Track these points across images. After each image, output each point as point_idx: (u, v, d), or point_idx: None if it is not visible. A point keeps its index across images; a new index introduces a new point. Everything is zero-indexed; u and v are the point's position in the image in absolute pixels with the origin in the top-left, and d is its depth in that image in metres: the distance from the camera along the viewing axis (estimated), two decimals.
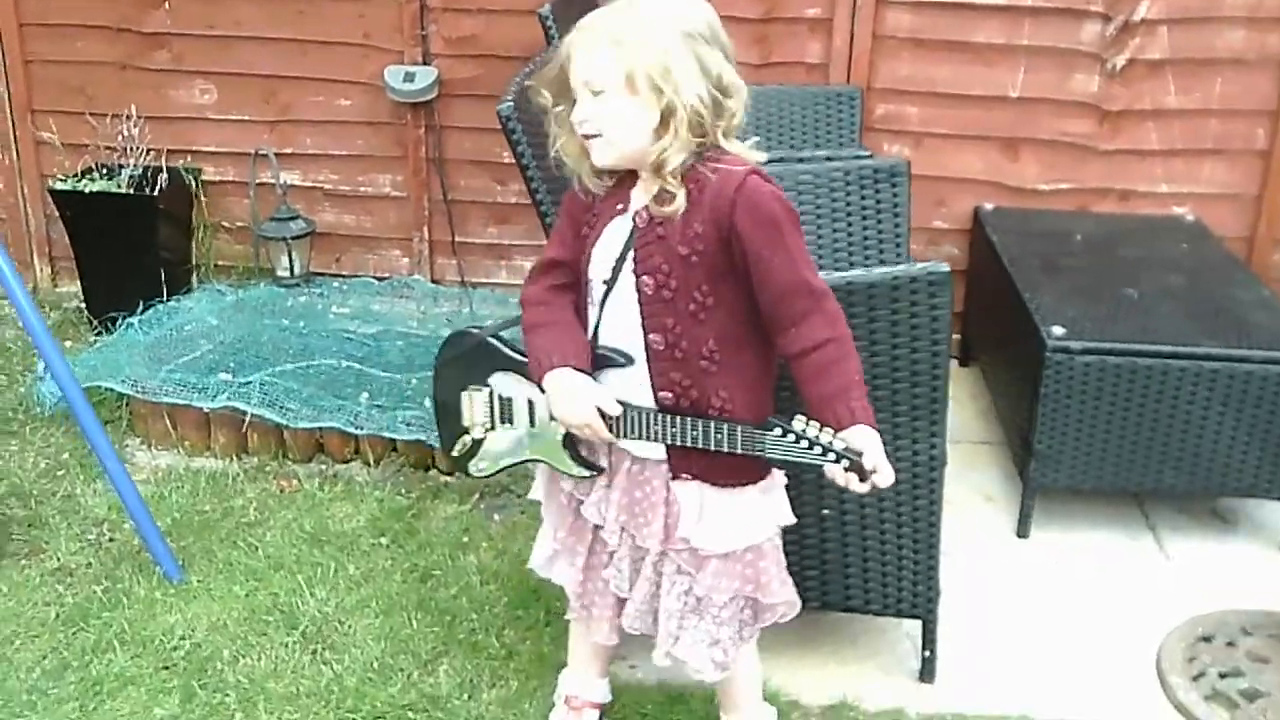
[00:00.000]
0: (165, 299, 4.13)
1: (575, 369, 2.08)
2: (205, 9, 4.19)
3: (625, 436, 2.11)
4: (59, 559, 3.09)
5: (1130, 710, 2.68)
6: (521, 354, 2.20)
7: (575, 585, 2.33)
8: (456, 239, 4.35)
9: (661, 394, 2.07)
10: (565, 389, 2.09)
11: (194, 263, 4.43)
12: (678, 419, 2.05)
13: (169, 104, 4.31)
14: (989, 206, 4.02)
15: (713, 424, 2.03)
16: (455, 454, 2.34)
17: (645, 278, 2.02)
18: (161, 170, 4.22)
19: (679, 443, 2.06)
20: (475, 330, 2.32)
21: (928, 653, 2.72)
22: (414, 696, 2.65)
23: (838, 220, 3.05)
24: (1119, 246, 3.74)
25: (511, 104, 2.35)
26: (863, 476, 1.92)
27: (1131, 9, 3.81)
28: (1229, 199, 4.01)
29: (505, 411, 2.25)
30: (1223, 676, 2.71)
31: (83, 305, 4.33)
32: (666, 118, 1.93)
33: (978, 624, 2.89)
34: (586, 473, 2.20)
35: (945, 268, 2.30)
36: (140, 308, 4.03)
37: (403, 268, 4.45)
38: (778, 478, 2.20)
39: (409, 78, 4.09)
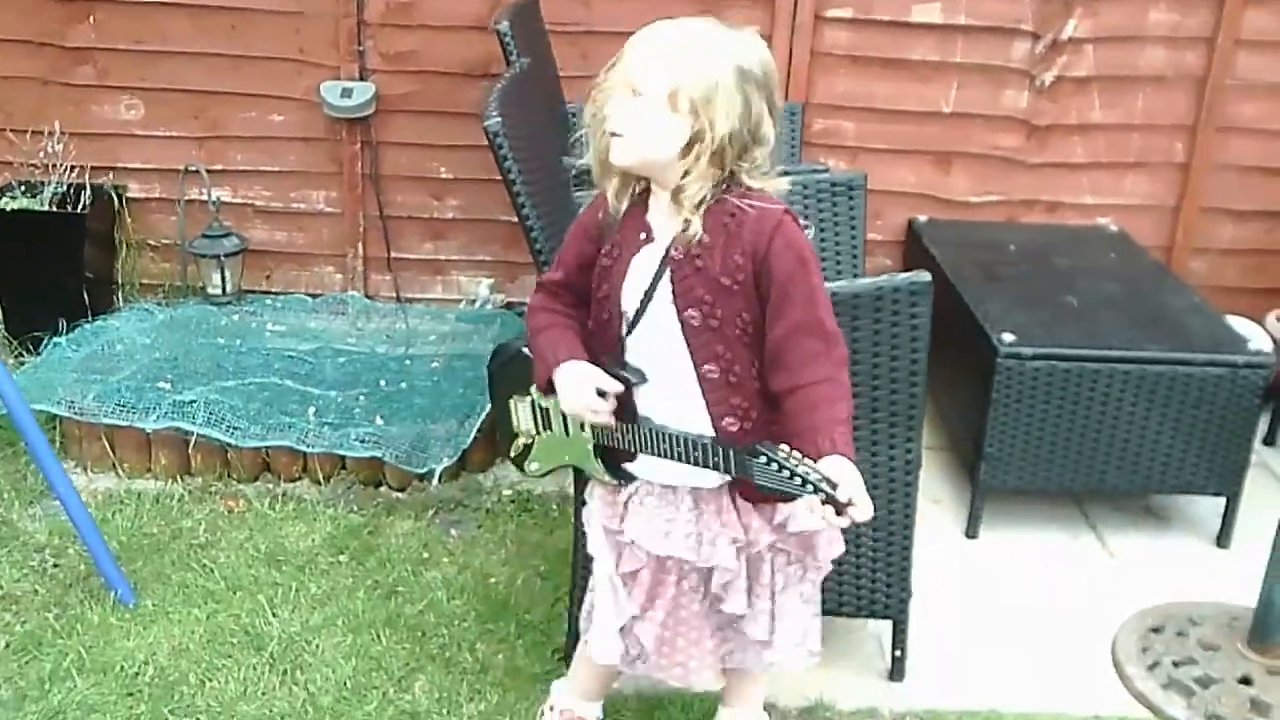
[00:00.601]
0: (90, 318, 4.02)
1: (578, 360, 2.10)
2: (132, 23, 4.09)
3: (631, 446, 2.12)
4: (2, 587, 2.99)
5: (1092, 701, 2.76)
6: None
7: (653, 641, 2.22)
8: (392, 255, 4.31)
9: (725, 421, 2.06)
10: (570, 380, 2.09)
11: (118, 281, 4.32)
12: (683, 438, 2.05)
13: (93, 120, 4.20)
14: (923, 218, 4.12)
15: (708, 444, 2.04)
16: (513, 455, 2.37)
17: (690, 311, 2.02)
18: (85, 187, 4.11)
19: (682, 461, 2.06)
20: (515, 342, 2.33)
21: (898, 652, 2.78)
22: (392, 713, 2.62)
23: None
24: (1051, 256, 3.87)
25: (499, 119, 2.34)
26: (839, 510, 1.87)
27: (1059, 28, 3.96)
28: (1149, 210, 4.17)
29: (544, 419, 2.26)
30: (1177, 665, 2.81)
31: (1, 325, 4.18)
32: (693, 143, 1.94)
33: (939, 623, 2.96)
34: (615, 481, 2.19)
35: (927, 277, 2.36)
36: (64, 327, 3.92)
37: (335, 284, 4.39)
38: None
39: (346, 93, 4.05)
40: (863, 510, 1.87)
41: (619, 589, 2.22)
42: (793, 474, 1.86)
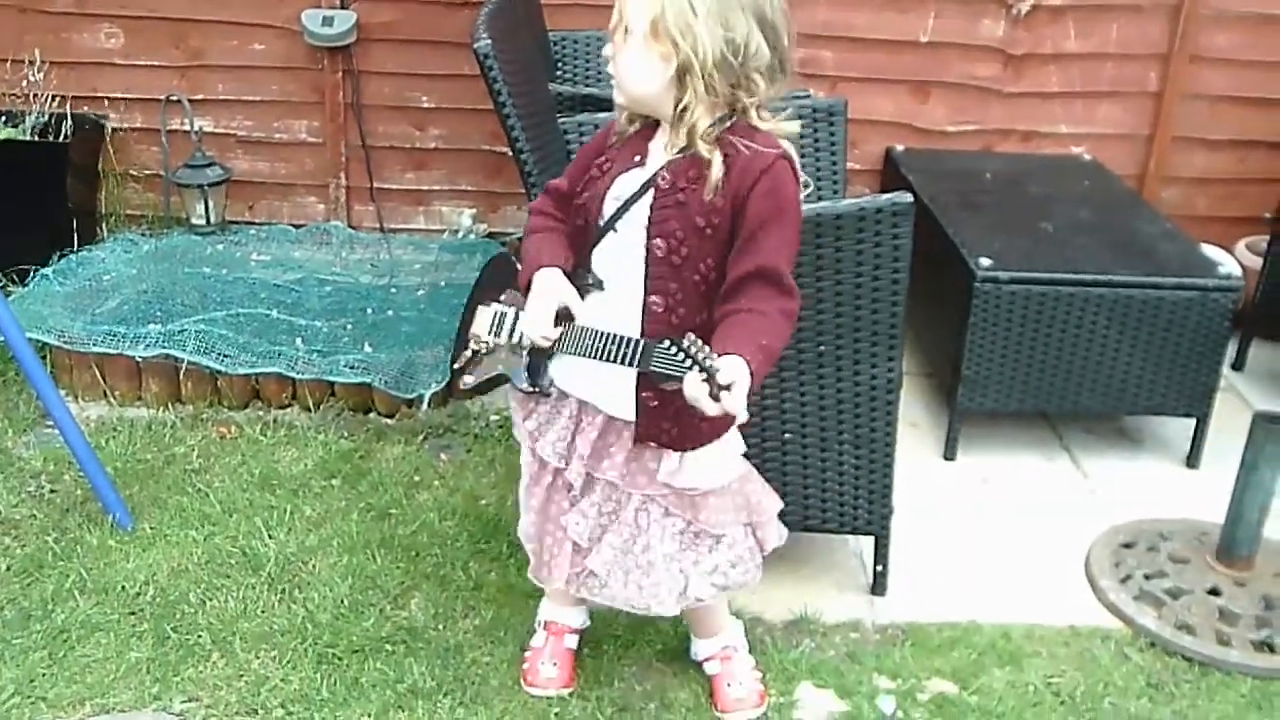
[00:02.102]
0: (75, 249, 4.03)
1: (560, 270, 2.16)
2: None
3: (562, 350, 2.20)
4: (1, 513, 3.03)
5: (1067, 611, 2.86)
6: None
7: (530, 528, 2.40)
8: (375, 185, 4.33)
9: None
10: (540, 286, 2.15)
11: (102, 212, 4.32)
12: (603, 334, 2.11)
13: (73, 49, 4.18)
14: (900, 148, 4.17)
15: (621, 339, 2.08)
16: (456, 366, 2.44)
17: (658, 240, 2.07)
18: (66, 118, 4.10)
19: (598, 357, 2.11)
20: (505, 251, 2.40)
21: (879, 568, 2.86)
22: (390, 629, 2.69)
23: None
24: (1026, 184, 3.93)
25: (489, 41, 2.37)
26: (712, 393, 1.87)
27: None
28: (1123, 139, 4.23)
29: (498, 325, 2.32)
30: (1148, 578, 2.91)
31: None
32: (684, 73, 1.97)
33: (919, 541, 3.05)
34: (529, 387, 2.27)
35: (908, 198, 2.42)
36: (50, 259, 3.93)
37: (318, 214, 4.41)
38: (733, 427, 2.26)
39: (327, 21, 4.05)
40: (737, 405, 1.87)
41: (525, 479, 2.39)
42: (686, 356, 1.89)
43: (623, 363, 2.08)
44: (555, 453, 2.29)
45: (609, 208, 2.13)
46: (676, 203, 2.05)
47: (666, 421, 2.16)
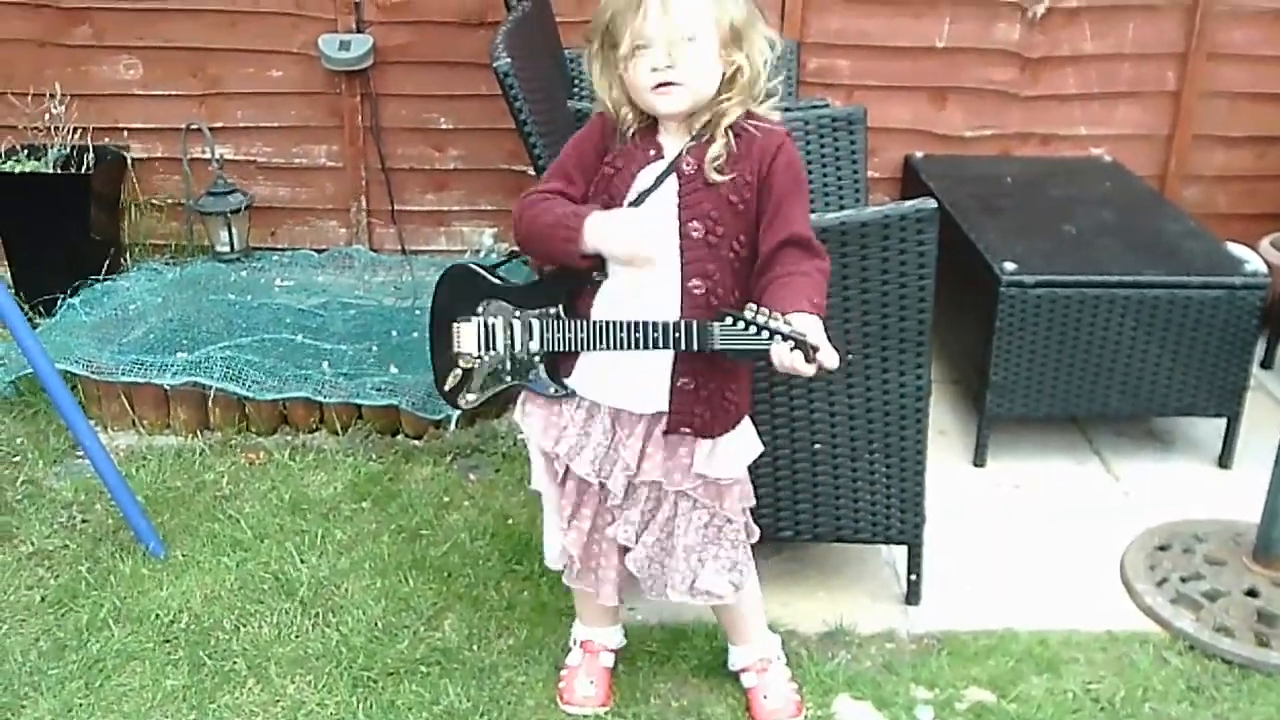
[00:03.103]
0: (100, 279, 4.06)
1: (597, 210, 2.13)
2: None
3: (584, 346, 2.19)
4: (33, 543, 3.04)
5: (1103, 617, 2.84)
6: (504, 280, 2.27)
7: (579, 549, 2.37)
8: (395, 207, 4.35)
9: None
10: (608, 222, 2.10)
11: (125, 242, 4.35)
12: (640, 323, 2.10)
13: (93, 81, 4.22)
14: (919, 154, 4.17)
15: (672, 324, 2.09)
16: (447, 388, 2.36)
17: (694, 224, 2.10)
18: (88, 149, 4.14)
19: (639, 347, 2.11)
20: (459, 265, 2.37)
21: (913, 577, 2.85)
22: (424, 651, 2.69)
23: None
24: (1047, 187, 3.92)
25: (509, 60, 2.38)
26: (808, 357, 1.95)
27: None
28: (1142, 139, 4.23)
29: (490, 338, 2.28)
30: (1184, 580, 2.89)
31: (13, 289, 4.21)
32: (734, 74, 2.05)
33: (951, 549, 3.03)
34: (561, 390, 2.25)
35: (932, 204, 2.41)
36: (76, 289, 3.95)
37: (340, 238, 4.43)
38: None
39: (345, 46, 4.07)
40: (830, 357, 1.96)
41: (555, 499, 2.36)
42: (760, 328, 1.95)
43: (676, 347, 2.10)
44: (594, 469, 2.27)
45: (632, 202, 2.14)
46: (705, 184, 2.09)
47: (699, 406, 2.19)
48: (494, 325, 2.28)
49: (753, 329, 1.95)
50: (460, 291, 2.31)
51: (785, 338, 1.94)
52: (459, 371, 2.34)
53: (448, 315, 2.34)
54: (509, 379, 2.30)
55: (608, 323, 2.15)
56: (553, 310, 2.21)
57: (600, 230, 2.10)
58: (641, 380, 2.19)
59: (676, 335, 2.08)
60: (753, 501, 2.39)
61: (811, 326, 1.98)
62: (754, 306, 1.97)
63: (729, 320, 1.98)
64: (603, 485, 2.29)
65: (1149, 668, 2.67)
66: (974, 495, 3.32)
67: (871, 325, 2.51)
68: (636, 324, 2.11)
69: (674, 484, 2.25)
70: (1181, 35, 4.09)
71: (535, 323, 2.24)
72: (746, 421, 2.31)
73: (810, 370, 1.96)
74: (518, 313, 2.25)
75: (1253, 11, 4.07)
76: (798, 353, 1.95)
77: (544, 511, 2.44)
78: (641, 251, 2.11)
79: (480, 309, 2.29)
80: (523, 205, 2.21)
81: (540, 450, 2.34)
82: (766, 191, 2.09)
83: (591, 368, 2.23)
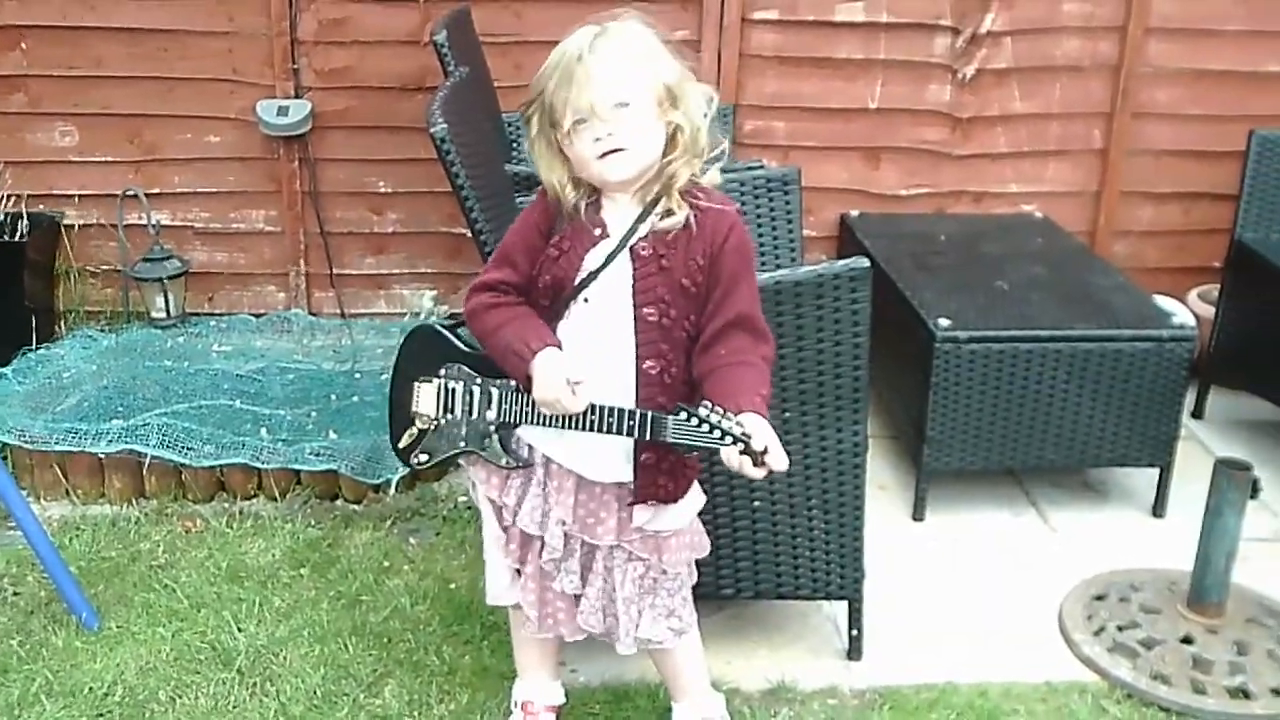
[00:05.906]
0: (34, 348, 4.01)
1: (555, 347, 2.13)
2: (63, 50, 4.09)
3: (540, 422, 2.19)
4: None
5: (1042, 667, 2.86)
6: (469, 345, 2.27)
7: (534, 600, 2.36)
8: (335, 271, 4.34)
9: None
10: (547, 367, 2.11)
11: (60, 309, 4.31)
12: (598, 407, 2.11)
13: (28, 147, 4.19)
14: (855, 213, 4.23)
15: (628, 412, 2.11)
16: (401, 445, 2.36)
17: (649, 308, 2.11)
18: (22, 216, 4.09)
19: (593, 430, 2.12)
20: (425, 327, 2.37)
21: (854, 632, 2.86)
22: (364, 718, 2.65)
23: None
24: (980, 244, 4.00)
25: (445, 125, 2.39)
26: (755, 461, 1.98)
27: (978, 22, 4.08)
28: (1072, 196, 4.32)
29: (450, 402, 2.29)
30: (1121, 629, 2.92)
31: None
32: (674, 133, 2.07)
33: (892, 603, 3.04)
34: (513, 463, 2.26)
35: (865, 263, 2.45)
36: (9, 358, 3.91)
37: (278, 303, 4.41)
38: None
39: (283, 111, 4.08)
40: (778, 460, 1.99)
41: (502, 545, 2.36)
42: (712, 427, 1.98)
43: (629, 435, 2.11)
44: (534, 521, 2.27)
45: (581, 285, 2.14)
46: (660, 269, 2.10)
47: (663, 478, 2.20)
48: (454, 389, 2.29)
49: (705, 426, 1.98)
50: (425, 352, 2.33)
51: (735, 439, 1.97)
52: (415, 431, 2.35)
53: (410, 374, 2.34)
54: (463, 444, 2.30)
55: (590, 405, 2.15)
56: (513, 382, 2.21)
57: (537, 375, 2.11)
58: (604, 449, 2.19)
59: (630, 424, 2.10)
60: (704, 552, 2.38)
61: (761, 429, 1.99)
62: (709, 404, 2.00)
63: (683, 415, 2.01)
64: (541, 540, 2.29)
65: (1087, 717, 2.70)
66: (913, 549, 3.34)
67: (808, 382, 2.53)
68: (592, 407, 2.11)
69: (598, 538, 2.24)
70: (1107, 95, 4.19)
71: (495, 392, 2.24)
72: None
73: (760, 474, 1.99)
74: (479, 380, 2.25)
75: (1175, 71, 4.18)
76: (746, 457, 1.98)
77: (485, 546, 2.41)
78: (558, 406, 2.11)
79: (443, 371, 2.29)
80: (473, 308, 2.23)
81: (487, 499, 2.34)
82: (716, 271, 2.10)
83: (552, 428, 2.22)
